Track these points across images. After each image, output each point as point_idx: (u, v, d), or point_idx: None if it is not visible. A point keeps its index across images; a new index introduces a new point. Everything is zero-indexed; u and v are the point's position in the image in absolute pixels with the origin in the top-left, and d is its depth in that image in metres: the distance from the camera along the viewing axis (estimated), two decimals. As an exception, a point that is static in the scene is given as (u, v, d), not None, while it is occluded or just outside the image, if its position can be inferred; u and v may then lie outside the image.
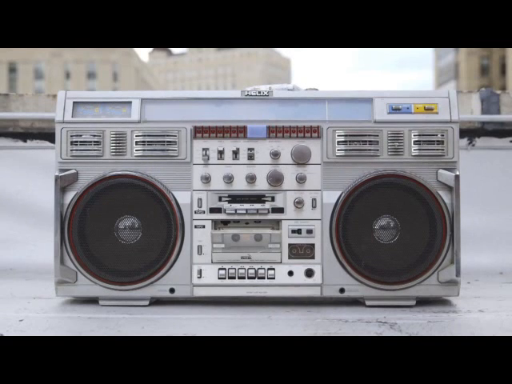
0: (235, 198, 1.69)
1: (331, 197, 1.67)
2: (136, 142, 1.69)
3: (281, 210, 1.67)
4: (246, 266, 1.68)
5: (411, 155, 1.68)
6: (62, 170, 1.68)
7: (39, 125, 2.51)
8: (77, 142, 1.69)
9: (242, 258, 1.68)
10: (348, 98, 1.70)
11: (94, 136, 1.69)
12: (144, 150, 1.69)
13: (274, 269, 1.67)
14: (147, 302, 1.69)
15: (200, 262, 1.68)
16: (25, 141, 2.52)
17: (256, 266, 1.68)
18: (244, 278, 1.67)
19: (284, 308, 1.67)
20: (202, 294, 1.69)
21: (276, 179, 1.67)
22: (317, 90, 1.76)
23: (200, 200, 1.69)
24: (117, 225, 1.67)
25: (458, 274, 1.64)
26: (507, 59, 36.67)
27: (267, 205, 1.68)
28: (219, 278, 1.68)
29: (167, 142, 1.69)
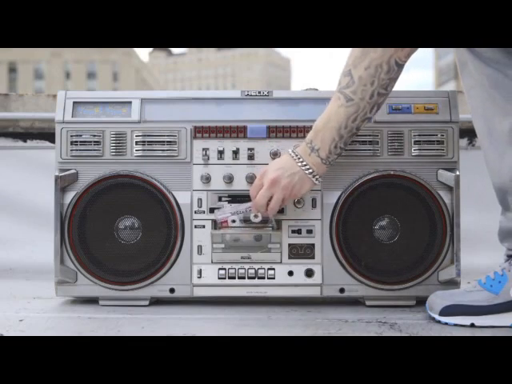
0: (235, 198, 1.69)
1: (331, 197, 1.67)
2: (136, 142, 1.69)
3: (281, 210, 1.67)
4: (246, 266, 1.68)
5: (411, 155, 1.68)
6: (62, 170, 1.68)
7: (39, 125, 2.51)
8: (77, 141, 1.69)
9: (242, 257, 1.68)
10: (348, 97, 1.70)
11: (94, 136, 1.69)
12: (144, 149, 1.69)
13: (274, 269, 1.67)
14: (147, 302, 1.69)
15: (200, 262, 1.68)
16: (25, 141, 2.52)
17: (256, 266, 1.68)
18: (244, 278, 1.67)
19: (284, 308, 1.67)
20: (202, 294, 1.69)
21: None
22: (317, 89, 1.76)
23: (200, 200, 1.69)
24: (117, 225, 1.68)
25: (458, 273, 1.64)
26: (507, 59, 36.59)
27: (267, 205, 1.68)
28: (219, 278, 1.68)
29: (167, 142, 1.69)
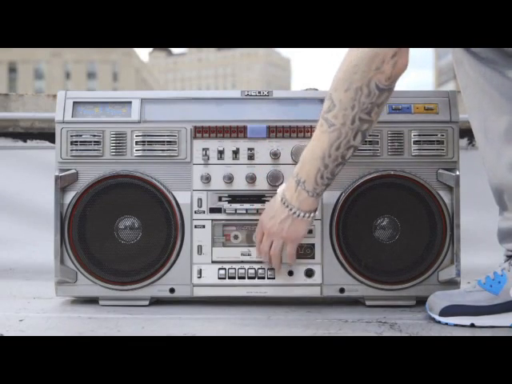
0: (235, 198, 1.69)
1: (331, 197, 1.67)
2: (136, 141, 1.69)
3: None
4: (246, 266, 1.68)
5: (411, 155, 1.68)
6: (62, 170, 1.68)
7: (39, 125, 2.51)
8: (77, 142, 1.69)
9: (242, 254, 1.68)
10: (348, 97, 1.70)
11: (94, 136, 1.69)
12: (144, 149, 1.69)
13: (273, 269, 1.67)
14: (147, 302, 1.69)
15: (200, 262, 1.68)
16: (25, 141, 2.52)
17: (256, 266, 1.68)
18: (244, 277, 1.67)
19: (284, 308, 1.67)
20: (202, 294, 1.69)
21: (276, 179, 1.67)
22: (317, 90, 1.76)
23: (200, 200, 1.69)
24: (117, 225, 1.68)
25: (458, 273, 1.64)
26: (507, 59, 36.56)
27: (267, 205, 1.68)
28: (219, 278, 1.68)
29: (167, 142, 1.69)
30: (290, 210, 1.50)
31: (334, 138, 1.43)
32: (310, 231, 1.67)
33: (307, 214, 1.50)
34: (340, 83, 1.41)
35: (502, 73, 1.46)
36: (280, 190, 1.54)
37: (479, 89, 1.49)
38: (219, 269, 1.68)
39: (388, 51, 1.38)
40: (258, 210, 1.67)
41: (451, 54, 1.57)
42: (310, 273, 1.68)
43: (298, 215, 1.50)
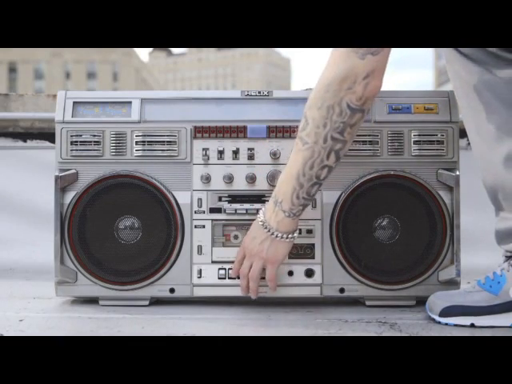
0: (235, 198, 1.69)
1: (331, 197, 1.67)
2: (136, 142, 1.69)
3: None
4: (246, 266, 1.67)
5: (411, 155, 1.68)
6: (62, 170, 1.68)
7: (39, 125, 2.51)
8: (77, 142, 1.69)
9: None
10: (348, 98, 1.70)
11: (94, 136, 1.69)
12: (144, 149, 1.69)
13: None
14: (147, 302, 1.69)
15: (200, 262, 1.68)
16: (25, 141, 2.52)
17: (256, 266, 1.67)
18: (244, 277, 1.67)
19: (284, 308, 1.67)
20: (202, 294, 1.69)
21: (276, 179, 1.67)
22: (317, 90, 1.76)
23: (200, 200, 1.69)
24: (117, 225, 1.68)
25: (458, 273, 1.64)
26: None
27: (267, 205, 1.68)
28: (219, 278, 1.68)
29: (167, 142, 1.69)
30: (268, 231, 1.50)
31: (308, 156, 1.43)
32: (310, 231, 1.68)
33: (285, 235, 1.50)
34: (313, 101, 1.42)
35: (493, 72, 1.47)
36: (261, 210, 1.54)
37: (471, 89, 1.50)
38: (219, 269, 1.68)
39: (361, 72, 1.39)
40: (257, 210, 1.67)
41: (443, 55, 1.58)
42: (310, 273, 1.68)
43: (276, 236, 1.50)
